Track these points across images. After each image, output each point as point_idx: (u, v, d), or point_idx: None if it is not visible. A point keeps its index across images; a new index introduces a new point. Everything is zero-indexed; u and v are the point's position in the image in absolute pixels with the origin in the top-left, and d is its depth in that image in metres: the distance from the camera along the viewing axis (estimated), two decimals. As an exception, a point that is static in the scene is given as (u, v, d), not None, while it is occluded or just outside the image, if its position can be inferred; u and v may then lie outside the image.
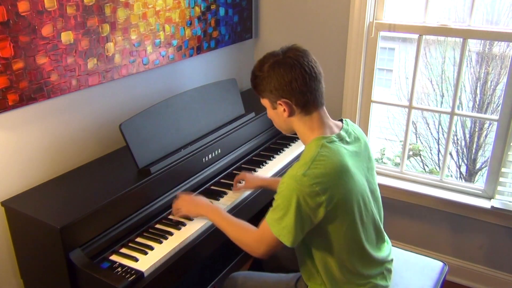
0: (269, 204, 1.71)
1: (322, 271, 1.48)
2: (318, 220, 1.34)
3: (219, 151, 2.04)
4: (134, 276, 1.43)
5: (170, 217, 1.73)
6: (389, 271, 1.61)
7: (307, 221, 1.34)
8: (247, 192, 1.93)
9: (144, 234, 1.65)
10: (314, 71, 1.40)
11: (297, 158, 2.27)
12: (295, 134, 1.52)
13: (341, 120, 1.52)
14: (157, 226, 1.70)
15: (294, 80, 1.37)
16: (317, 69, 1.41)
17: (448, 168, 5.48)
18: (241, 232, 1.50)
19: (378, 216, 1.54)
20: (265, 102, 1.48)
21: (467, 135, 5.58)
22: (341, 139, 1.43)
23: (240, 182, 1.95)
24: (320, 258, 1.46)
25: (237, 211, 1.84)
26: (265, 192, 1.97)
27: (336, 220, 1.36)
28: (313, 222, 1.35)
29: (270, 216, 1.37)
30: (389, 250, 1.63)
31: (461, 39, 2.29)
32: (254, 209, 1.96)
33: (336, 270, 1.46)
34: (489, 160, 2.39)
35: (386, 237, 1.64)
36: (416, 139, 5.84)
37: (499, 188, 2.37)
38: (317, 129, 1.43)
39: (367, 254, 1.49)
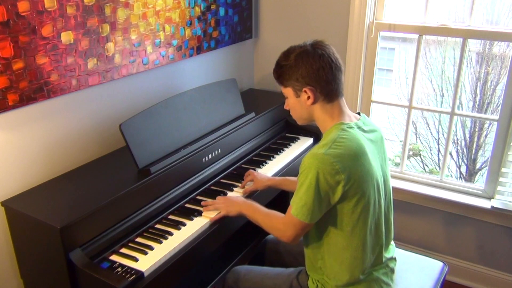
0: (270, 203, 1.73)
1: (328, 261, 1.50)
2: (336, 199, 1.39)
3: (219, 151, 2.04)
4: (134, 276, 1.43)
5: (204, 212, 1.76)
6: (392, 270, 1.63)
7: (325, 199, 1.39)
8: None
9: (144, 234, 1.65)
10: (339, 62, 1.50)
11: (297, 158, 2.28)
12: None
13: (358, 114, 1.58)
14: (157, 226, 1.70)
15: (322, 68, 1.44)
16: (340, 61, 1.50)
17: (448, 168, 5.48)
18: (271, 219, 1.56)
19: (387, 209, 1.58)
20: (288, 91, 1.53)
21: (467, 135, 5.58)
22: (359, 127, 1.49)
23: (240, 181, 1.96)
24: (330, 245, 1.48)
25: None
26: (265, 192, 1.97)
27: (352, 199, 1.41)
28: (331, 201, 1.40)
29: (294, 199, 1.44)
30: (393, 250, 1.67)
31: (461, 39, 2.29)
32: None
33: (348, 259, 1.47)
34: (489, 160, 2.39)
35: (392, 237, 1.66)
36: (416, 139, 5.85)
37: (499, 188, 2.37)
38: (337, 117, 1.49)
39: (378, 243, 1.52)
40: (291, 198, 1.46)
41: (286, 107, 1.59)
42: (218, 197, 1.79)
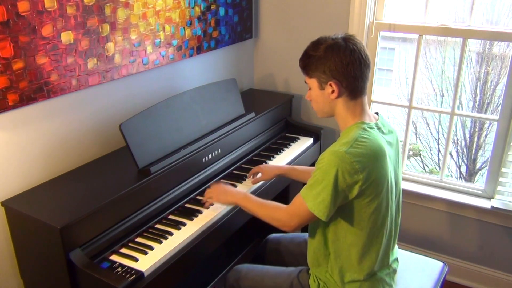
0: (274, 198, 1.73)
1: (333, 256, 1.50)
2: (351, 197, 1.39)
3: (219, 151, 2.04)
4: (134, 276, 1.43)
5: (199, 197, 1.77)
6: (395, 271, 1.63)
7: (341, 196, 1.39)
8: (253, 187, 1.94)
9: (144, 234, 1.65)
10: (368, 59, 1.47)
11: (297, 158, 2.28)
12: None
13: (376, 114, 1.57)
14: (157, 226, 1.70)
15: (351, 63, 1.42)
16: (369, 58, 1.48)
17: (448, 168, 5.48)
18: (272, 210, 1.55)
19: (396, 212, 1.58)
20: (312, 82, 1.50)
21: (467, 135, 5.59)
22: (378, 128, 1.49)
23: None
24: (338, 240, 1.48)
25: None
26: (268, 189, 1.97)
27: (366, 198, 1.41)
28: (345, 198, 1.40)
29: (307, 192, 1.42)
30: (397, 251, 1.67)
31: (461, 39, 2.29)
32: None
33: (354, 256, 1.48)
34: (489, 160, 2.39)
35: (397, 239, 1.67)
36: (416, 139, 5.85)
37: (499, 188, 2.37)
38: (358, 115, 1.48)
39: (386, 244, 1.53)
40: (291, 194, 1.45)
41: (307, 98, 1.56)
42: (214, 184, 1.79)
